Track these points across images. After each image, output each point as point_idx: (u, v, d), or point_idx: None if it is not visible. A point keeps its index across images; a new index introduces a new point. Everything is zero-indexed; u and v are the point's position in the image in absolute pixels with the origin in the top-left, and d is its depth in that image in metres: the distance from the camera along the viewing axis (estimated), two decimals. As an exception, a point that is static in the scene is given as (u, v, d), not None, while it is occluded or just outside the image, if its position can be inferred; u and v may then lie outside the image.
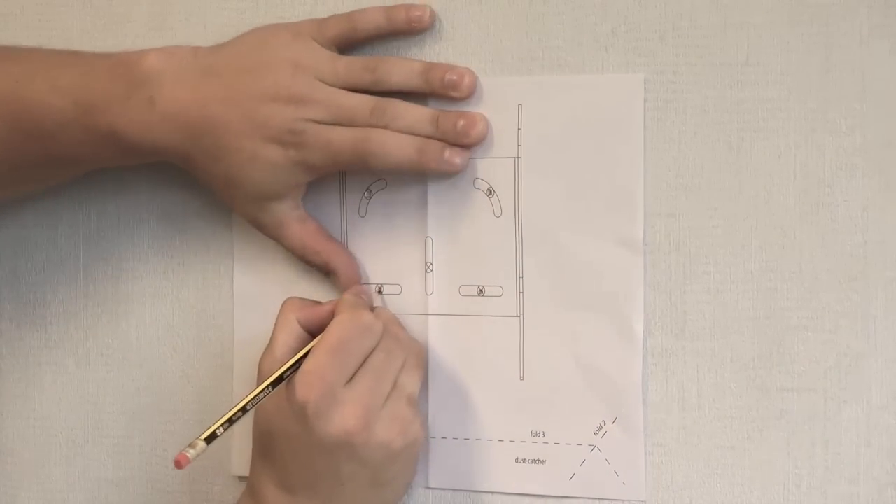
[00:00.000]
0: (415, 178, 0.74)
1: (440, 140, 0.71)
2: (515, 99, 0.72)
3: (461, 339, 0.74)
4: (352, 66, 0.71)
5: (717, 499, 0.71)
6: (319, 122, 0.69)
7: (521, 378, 0.73)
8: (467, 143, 0.71)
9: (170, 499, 0.80)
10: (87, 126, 0.70)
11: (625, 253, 0.71)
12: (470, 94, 0.72)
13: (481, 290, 0.74)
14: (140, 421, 0.81)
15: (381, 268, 0.76)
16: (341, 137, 0.69)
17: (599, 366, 0.72)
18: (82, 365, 0.82)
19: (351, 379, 0.68)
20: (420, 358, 0.72)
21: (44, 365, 0.83)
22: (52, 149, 0.72)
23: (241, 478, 0.78)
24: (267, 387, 0.68)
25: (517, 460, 0.73)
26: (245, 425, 0.72)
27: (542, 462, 0.73)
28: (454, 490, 0.75)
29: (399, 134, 0.70)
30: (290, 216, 0.73)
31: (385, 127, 0.70)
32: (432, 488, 0.75)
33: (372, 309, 0.73)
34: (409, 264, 0.75)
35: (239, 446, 0.77)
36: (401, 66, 0.71)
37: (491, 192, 0.73)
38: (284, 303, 0.72)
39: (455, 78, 0.71)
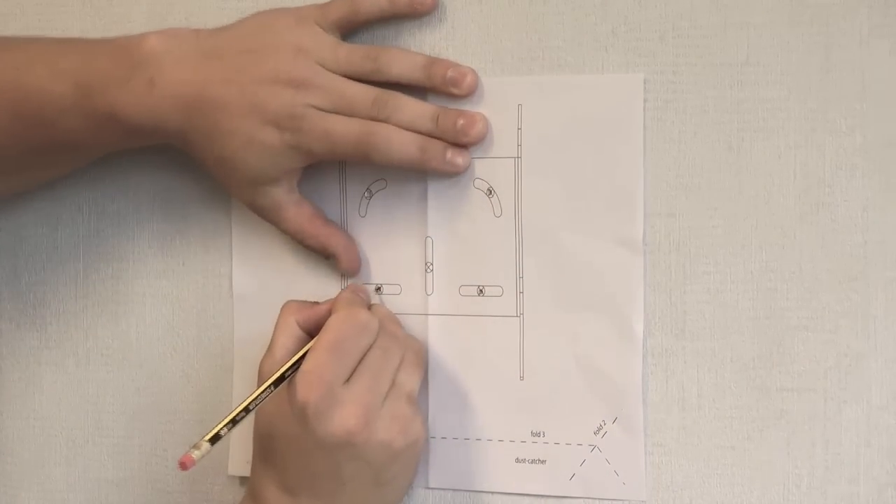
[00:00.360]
0: (415, 178, 0.74)
1: (439, 138, 0.71)
2: (515, 99, 0.72)
3: (461, 339, 0.74)
4: (353, 54, 0.71)
5: (717, 499, 0.71)
6: (319, 109, 0.69)
7: (521, 378, 0.73)
8: (466, 142, 0.71)
9: (170, 499, 0.80)
10: (86, 109, 0.70)
11: (625, 253, 0.71)
12: (470, 92, 0.72)
13: (481, 290, 0.74)
14: (140, 421, 0.81)
15: (381, 267, 0.76)
16: (344, 128, 0.69)
17: (599, 366, 0.72)
18: (82, 365, 0.82)
19: (350, 378, 0.68)
20: (418, 355, 0.72)
21: (44, 365, 0.83)
22: (53, 135, 0.72)
23: (241, 478, 0.78)
24: (269, 386, 0.68)
25: (517, 460, 0.73)
26: (243, 426, 0.72)
27: (542, 462, 0.73)
28: (454, 490, 0.75)
29: (403, 131, 0.70)
30: (287, 200, 0.73)
31: (385, 120, 0.70)
32: (432, 488, 0.75)
33: (369, 306, 0.73)
34: (409, 264, 0.75)
35: (237, 446, 0.77)
36: (403, 57, 0.71)
37: (491, 192, 0.73)
38: (284, 306, 0.72)
39: (457, 75, 0.71)
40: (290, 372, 0.68)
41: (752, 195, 0.69)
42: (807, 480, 0.69)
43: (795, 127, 0.69)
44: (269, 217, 0.74)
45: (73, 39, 0.74)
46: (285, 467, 0.69)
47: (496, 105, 0.72)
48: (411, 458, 0.71)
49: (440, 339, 0.74)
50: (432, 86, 0.72)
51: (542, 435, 0.73)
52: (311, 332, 0.71)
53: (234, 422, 0.66)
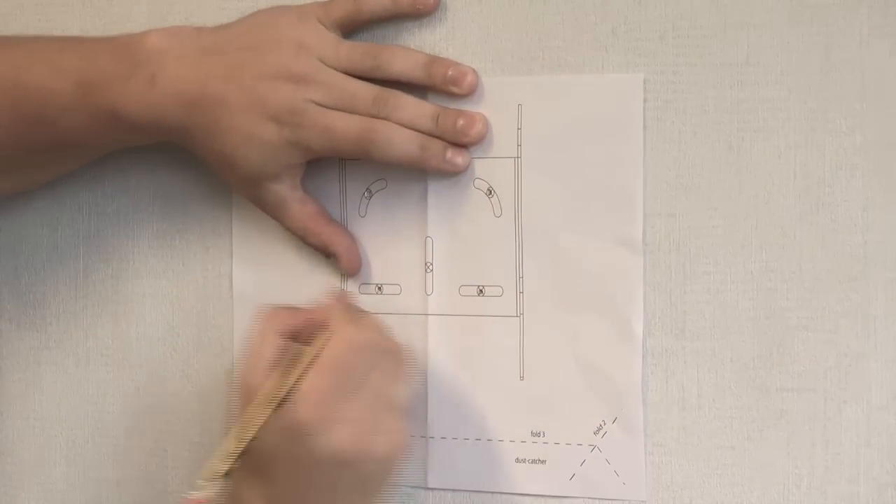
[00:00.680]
0: (415, 178, 0.74)
1: (439, 137, 0.71)
2: (515, 99, 0.72)
3: (461, 339, 0.74)
4: (354, 51, 0.71)
5: (717, 499, 0.71)
6: (320, 105, 0.69)
7: (521, 378, 0.73)
8: (466, 142, 0.71)
9: (170, 499, 0.80)
10: (88, 107, 0.70)
11: (624, 253, 0.71)
12: (470, 92, 0.72)
13: (481, 290, 0.74)
14: (140, 421, 0.81)
15: (381, 267, 0.76)
16: (344, 124, 0.69)
17: (599, 366, 0.72)
18: (82, 365, 0.82)
19: (349, 397, 0.66)
20: (409, 366, 0.71)
21: (44, 365, 0.83)
22: (54, 134, 0.72)
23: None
24: (272, 408, 0.66)
25: (517, 460, 0.73)
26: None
27: (543, 462, 0.73)
28: (454, 490, 0.75)
29: (405, 129, 0.70)
30: (289, 197, 0.73)
31: (386, 118, 0.70)
32: (432, 488, 0.75)
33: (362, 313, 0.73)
34: (409, 264, 0.75)
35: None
36: (404, 55, 0.72)
37: (491, 192, 0.73)
38: (263, 314, 0.69)
39: (457, 74, 0.72)
40: (284, 392, 0.66)
41: (752, 195, 0.69)
42: (807, 480, 0.69)
43: (795, 127, 0.69)
44: (272, 213, 0.74)
45: (75, 38, 0.74)
46: (277, 483, 0.67)
47: (496, 105, 0.72)
48: (395, 467, 0.70)
49: (440, 339, 0.74)
50: (432, 84, 0.72)
51: (542, 435, 0.73)
52: (295, 337, 0.68)
53: (232, 455, 0.65)
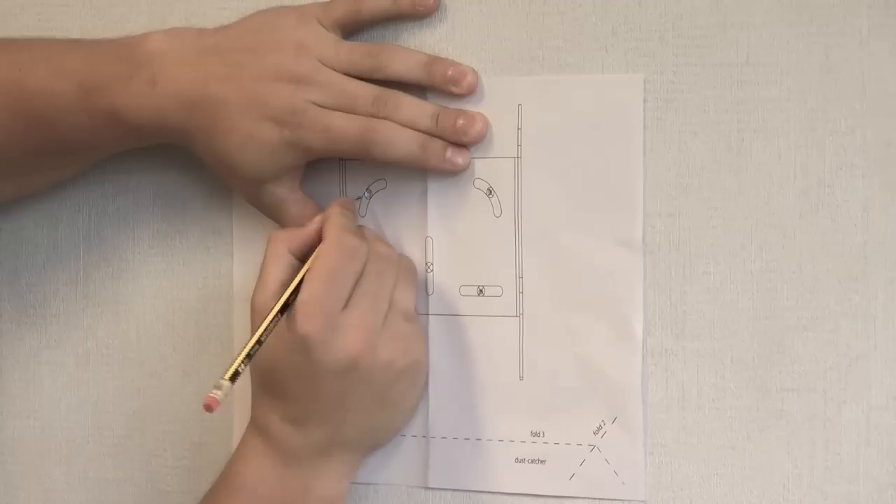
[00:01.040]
0: (415, 178, 0.74)
1: (439, 137, 0.71)
2: (515, 99, 0.72)
3: (461, 339, 0.74)
4: (354, 52, 0.71)
5: (717, 499, 0.71)
6: (320, 106, 0.69)
7: (521, 378, 0.73)
8: (466, 141, 0.71)
9: (170, 499, 0.80)
10: (88, 108, 0.70)
11: (624, 253, 0.71)
12: (470, 91, 0.72)
13: (481, 290, 0.74)
14: (140, 421, 0.81)
15: (381, 268, 0.76)
16: (344, 124, 0.69)
17: (599, 366, 0.72)
18: (82, 365, 0.82)
19: (347, 303, 0.68)
20: (411, 272, 0.73)
21: (44, 365, 0.83)
22: (55, 135, 0.72)
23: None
24: (276, 315, 0.67)
25: (517, 460, 0.73)
26: (244, 420, 0.73)
27: (542, 462, 0.73)
28: (454, 490, 0.75)
29: (405, 129, 0.70)
30: (289, 198, 0.73)
31: (386, 118, 0.70)
32: (432, 488, 0.75)
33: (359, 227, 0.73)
34: (409, 264, 0.75)
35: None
36: (404, 55, 0.72)
37: (491, 192, 0.73)
38: (271, 236, 0.71)
39: (457, 74, 0.72)
40: (293, 298, 0.68)
41: (752, 195, 0.69)
42: (807, 480, 0.69)
43: (795, 127, 0.69)
44: (272, 215, 0.74)
45: (75, 40, 0.75)
46: (289, 399, 0.69)
47: (496, 105, 0.72)
48: (415, 378, 0.72)
49: (440, 339, 0.74)
50: (432, 84, 0.72)
51: (541, 435, 0.73)
52: (303, 257, 0.70)
53: (249, 356, 0.66)
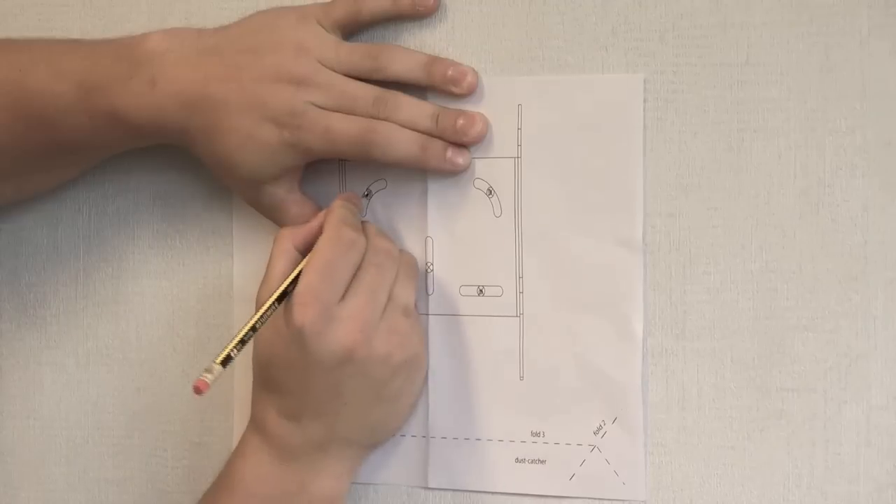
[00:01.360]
0: (415, 178, 0.74)
1: (439, 137, 0.71)
2: (515, 99, 0.72)
3: (461, 339, 0.74)
4: (354, 52, 0.71)
5: (717, 499, 0.71)
6: (320, 107, 0.69)
7: (521, 378, 0.73)
8: (466, 141, 0.71)
9: (170, 499, 0.80)
10: (88, 108, 0.70)
11: (624, 253, 0.71)
12: (470, 91, 0.72)
13: (481, 290, 0.74)
14: (140, 421, 0.81)
15: (381, 268, 0.76)
16: (344, 125, 0.69)
17: (599, 366, 0.72)
18: (82, 365, 0.82)
19: (344, 296, 0.68)
20: (412, 268, 0.73)
21: (44, 365, 0.83)
22: (55, 136, 0.72)
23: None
24: (273, 303, 0.68)
25: (517, 460, 0.73)
26: (244, 420, 0.73)
27: (542, 462, 0.73)
28: (454, 490, 0.75)
29: (405, 129, 0.70)
30: (289, 199, 0.73)
31: (386, 118, 0.70)
32: (432, 488, 0.75)
33: (362, 222, 0.73)
34: (409, 264, 0.75)
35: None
36: (404, 56, 0.72)
37: (491, 192, 0.73)
38: (278, 234, 0.72)
39: (457, 74, 0.72)
40: (291, 287, 0.68)
41: (752, 195, 0.69)
42: (807, 480, 0.69)
43: (795, 127, 0.69)
44: (271, 216, 0.74)
45: (75, 40, 0.75)
46: (286, 393, 0.69)
47: (496, 105, 0.72)
48: (412, 374, 0.72)
49: (440, 339, 0.74)
50: (432, 84, 0.72)
51: (542, 435, 0.73)
52: (308, 253, 0.71)
53: (242, 342, 0.66)
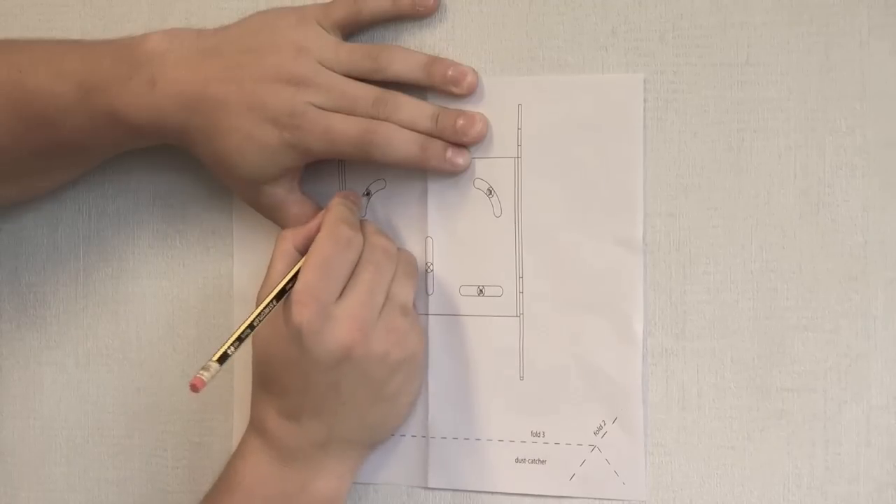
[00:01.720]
0: (415, 178, 0.74)
1: (439, 137, 0.71)
2: (515, 99, 0.72)
3: (461, 339, 0.74)
4: (354, 53, 0.71)
5: (717, 499, 0.71)
6: (320, 107, 0.69)
7: (521, 378, 0.73)
8: (466, 141, 0.71)
9: (170, 499, 0.80)
10: (88, 109, 0.70)
11: (624, 253, 0.71)
12: (470, 91, 0.72)
13: (481, 290, 0.74)
14: (140, 421, 0.81)
15: (381, 268, 0.76)
16: (344, 126, 0.69)
17: (599, 366, 0.72)
18: (82, 365, 0.82)
19: (342, 294, 0.68)
20: (411, 266, 0.73)
21: (44, 365, 0.83)
22: (55, 136, 0.72)
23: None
24: (271, 301, 0.68)
25: (517, 460, 0.73)
26: (244, 420, 0.73)
27: (542, 462, 0.73)
28: (454, 490, 0.75)
29: (405, 130, 0.70)
30: (288, 199, 0.73)
31: (385, 119, 0.70)
32: (432, 488, 0.75)
33: (361, 220, 0.73)
34: (409, 264, 0.75)
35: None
36: (403, 56, 0.72)
37: (491, 192, 0.73)
38: (280, 234, 0.72)
39: (457, 74, 0.72)
40: (289, 286, 0.68)
41: (752, 195, 0.69)
42: (807, 480, 0.69)
43: (795, 127, 0.69)
44: (271, 216, 0.74)
45: (75, 41, 0.75)
46: (284, 393, 0.69)
47: (496, 105, 0.72)
48: (411, 373, 0.72)
49: (440, 339, 0.74)
50: (432, 85, 0.72)
51: (542, 435, 0.73)
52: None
53: (240, 339, 0.66)
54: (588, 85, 0.71)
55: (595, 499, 0.72)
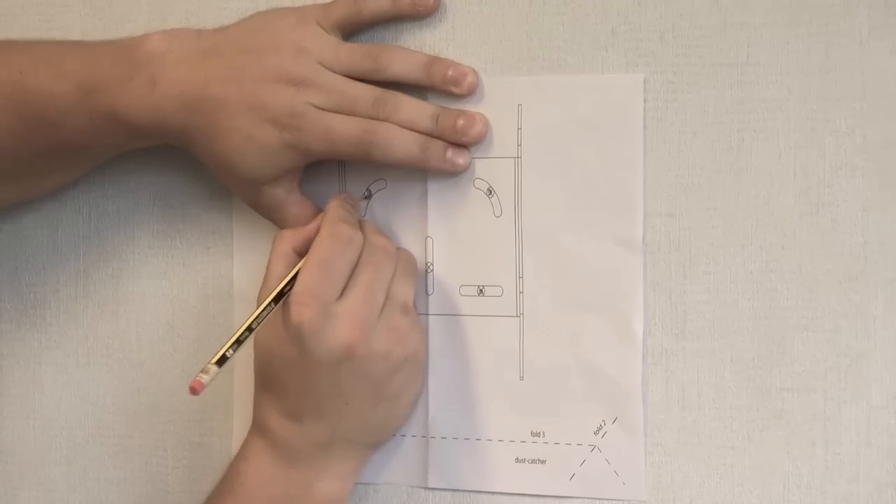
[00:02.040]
0: (415, 178, 0.74)
1: (439, 137, 0.71)
2: (515, 99, 0.72)
3: (461, 339, 0.74)
4: (354, 53, 0.71)
5: (717, 499, 0.71)
6: (320, 108, 0.69)
7: (521, 378, 0.73)
8: (466, 141, 0.71)
9: (170, 499, 0.80)
10: (88, 109, 0.70)
11: (624, 253, 0.71)
12: (470, 92, 0.72)
13: (481, 290, 0.74)
14: (140, 421, 0.81)
15: (381, 268, 0.76)
16: (344, 126, 0.69)
17: (599, 366, 0.72)
18: (82, 365, 0.82)
19: (342, 294, 0.68)
20: (410, 265, 0.73)
21: (44, 365, 0.83)
22: (56, 137, 0.72)
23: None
24: (269, 304, 0.68)
25: (517, 460, 0.73)
26: (245, 420, 0.73)
27: (542, 462, 0.73)
28: (454, 490, 0.75)
29: (405, 130, 0.70)
30: (288, 200, 0.73)
31: (385, 119, 0.70)
32: (432, 488, 0.75)
33: (359, 221, 0.73)
34: (409, 264, 0.75)
35: (238, 446, 0.77)
36: (403, 56, 0.72)
37: (491, 192, 0.73)
38: (278, 235, 0.72)
39: (457, 74, 0.72)
40: (288, 288, 0.68)
41: (752, 195, 0.69)
42: (807, 480, 0.69)
43: (795, 127, 0.69)
44: (271, 217, 0.74)
45: (76, 41, 0.75)
46: (286, 393, 0.69)
47: (496, 105, 0.72)
48: (413, 372, 0.71)
49: (440, 339, 0.74)
50: (432, 85, 0.72)
51: (542, 435, 0.73)
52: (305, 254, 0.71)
53: (238, 342, 0.66)
54: (588, 85, 0.71)
55: (595, 499, 0.72)
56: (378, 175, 0.75)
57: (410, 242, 0.75)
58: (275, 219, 0.74)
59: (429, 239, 0.74)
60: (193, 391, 0.63)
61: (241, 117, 0.69)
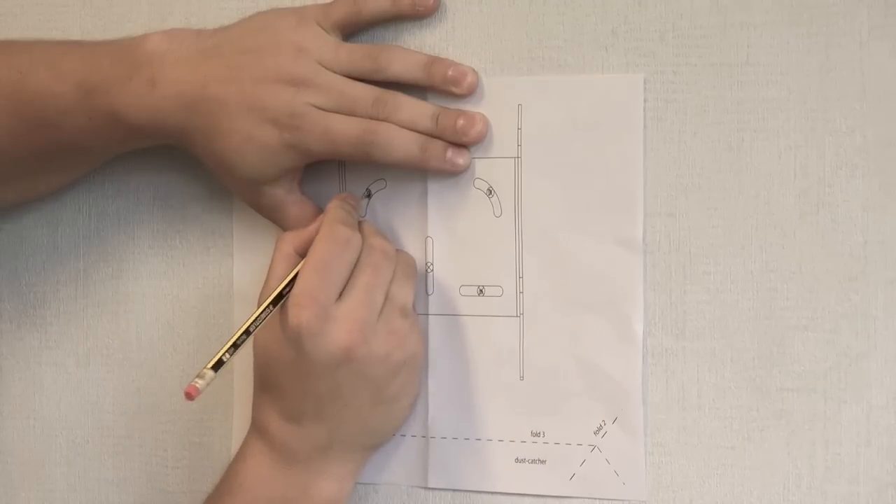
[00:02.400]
0: (415, 178, 0.74)
1: (439, 138, 0.71)
2: (515, 99, 0.72)
3: (461, 339, 0.74)
4: (354, 53, 0.71)
5: (717, 499, 0.71)
6: (320, 108, 0.69)
7: (521, 378, 0.73)
8: (466, 141, 0.71)
9: (170, 499, 0.80)
10: (88, 109, 0.70)
11: (624, 253, 0.71)
12: (471, 92, 0.72)
13: (481, 290, 0.74)
14: (140, 421, 0.81)
15: (381, 268, 0.76)
16: (344, 126, 0.69)
17: (599, 366, 0.72)
18: (82, 365, 0.82)
19: (341, 296, 0.68)
20: (410, 267, 0.73)
21: (44, 365, 0.83)
22: (55, 137, 0.72)
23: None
24: (268, 306, 0.68)
25: (517, 460, 0.73)
26: (244, 420, 0.73)
27: (542, 462, 0.73)
28: (454, 490, 0.75)
29: (405, 130, 0.70)
30: (288, 200, 0.73)
31: (385, 119, 0.70)
32: (432, 488, 0.75)
33: (359, 222, 0.73)
34: (409, 264, 0.75)
35: (238, 446, 0.77)
36: (403, 56, 0.72)
37: (491, 192, 0.73)
38: (280, 237, 0.72)
39: (457, 75, 0.72)
40: (287, 290, 0.68)
41: (752, 195, 0.69)
42: (807, 480, 0.69)
43: (795, 127, 0.69)
44: (271, 217, 0.74)
45: (75, 41, 0.75)
46: (286, 395, 0.69)
47: (496, 105, 0.73)
48: (412, 374, 0.72)
49: (440, 339, 0.74)
50: (432, 85, 0.72)
51: (542, 435, 0.73)
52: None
53: (235, 346, 0.66)
54: (588, 85, 0.71)
55: (595, 499, 0.72)
56: (378, 175, 0.75)
57: (410, 242, 0.75)
58: (275, 219, 0.74)
59: (429, 239, 0.75)
60: (189, 397, 0.63)
61: (240, 118, 0.69)
